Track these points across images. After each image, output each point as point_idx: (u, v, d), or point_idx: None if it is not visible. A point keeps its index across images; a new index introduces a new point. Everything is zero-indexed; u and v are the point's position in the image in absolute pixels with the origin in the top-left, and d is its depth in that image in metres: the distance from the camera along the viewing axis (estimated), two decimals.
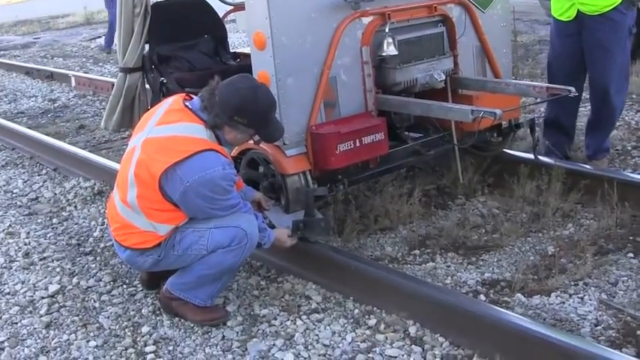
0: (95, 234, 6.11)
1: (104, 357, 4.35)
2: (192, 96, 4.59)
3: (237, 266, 4.59)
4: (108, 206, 4.73)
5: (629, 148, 6.95)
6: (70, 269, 5.50)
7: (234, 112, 4.34)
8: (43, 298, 5.10)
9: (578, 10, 6.29)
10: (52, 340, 4.57)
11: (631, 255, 4.96)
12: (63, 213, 6.74)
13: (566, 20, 6.41)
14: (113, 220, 4.60)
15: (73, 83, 13.16)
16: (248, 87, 4.43)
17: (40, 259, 5.72)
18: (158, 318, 4.71)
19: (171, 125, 4.40)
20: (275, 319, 4.59)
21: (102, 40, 19.05)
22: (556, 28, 6.61)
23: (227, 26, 6.93)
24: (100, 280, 5.28)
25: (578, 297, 4.49)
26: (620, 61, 6.31)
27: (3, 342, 4.59)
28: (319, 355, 4.17)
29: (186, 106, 4.48)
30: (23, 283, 5.35)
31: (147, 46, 6.27)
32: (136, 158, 4.39)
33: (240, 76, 4.54)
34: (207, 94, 4.41)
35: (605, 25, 6.21)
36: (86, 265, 5.55)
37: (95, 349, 4.43)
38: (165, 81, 6.19)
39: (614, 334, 4.09)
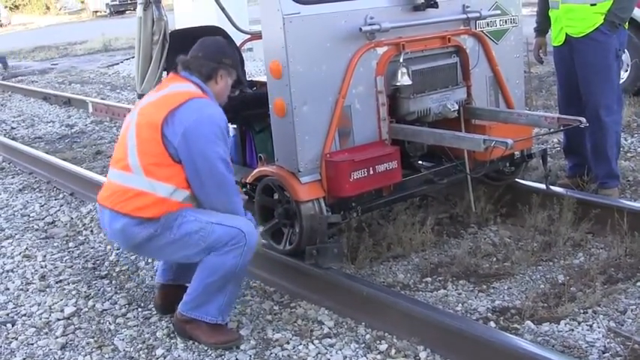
0: (111, 258, 6.17)
1: None
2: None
3: (239, 272, 4.58)
4: (99, 196, 4.74)
5: None
6: (85, 292, 5.56)
7: (221, 54, 4.71)
8: (58, 320, 5.16)
9: (566, 34, 6.42)
10: None
11: None
12: (79, 237, 6.81)
13: (558, 45, 6.56)
14: (106, 194, 4.63)
15: (91, 109, 13.24)
16: (215, 38, 4.96)
17: (56, 282, 5.78)
18: (172, 341, 4.75)
19: (163, 90, 4.65)
20: (288, 343, 4.63)
21: (119, 67, 19.11)
22: (554, 54, 6.78)
23: (244, 55, 7.00)
24: (116, 303, 5.34)
25: (587, 324, 4.52)
26: (609, 82, 6.38)
27: None
28: None
29: (174, 75, 4.72)
30: (39, 305, 5.41)
31: (165, 74, 6.35)
32: (134, 125, 4.55)
33: (204, 37, 4.89)
34: (185, 62, 4.69)
35: (591, 47, 6.31)
36: (102, 288, 5.61)
37: None
38: None
39: None
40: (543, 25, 6.88)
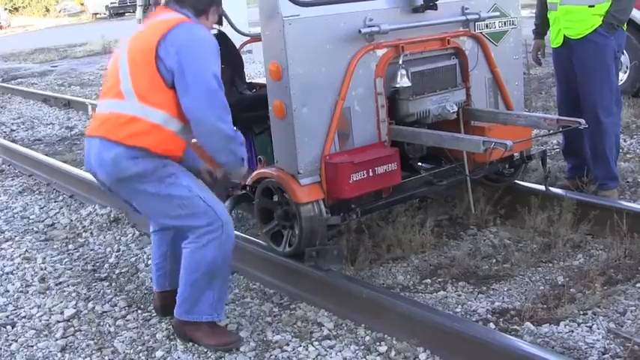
0: (111, 260, 6.18)
1: None
2: None
3: (222, 265, 4.58)
4: (87, 129, 4.66)
5: None
6: (85, 294, 5.57)
7: None
8: (58, 322, 5.17)
9: (565, 36, 6.44)
10: None
11: (639, 285, 5.01)
12: (79, 239, 6.82)
13: (557, 46, 6.58)
14: (96, 124, 4.53)
15: (90, 111, 13.21)
16: None
17: (56, 284, 5.79)
18: (172, 343, 4.76)
19: (152, 20, 4.61)
20: (287, 345, 4.64)
21: None
22: (553, 56, 6.80)
23: (243, 57, 7.00)
24: (115, 306, 5.35)
25: (586, 326, 4.53)
26: (608, 84, 6.39)
27: None
28: None
29: (163, 7, 4.68)
30: (39, 307, 5.42)
31: None
32: (125, 54, 4.48)
33: None
34: None
35: (588, 48, 6.32)
36: (101, 291, 5.61)
37: None
38: None
39: None
40: (542, 27, 6.89)
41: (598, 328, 4.48)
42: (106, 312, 5.27)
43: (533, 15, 7.03)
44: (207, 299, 4.60)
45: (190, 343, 4.70)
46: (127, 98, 4.37)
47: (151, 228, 5.06)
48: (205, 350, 4.63)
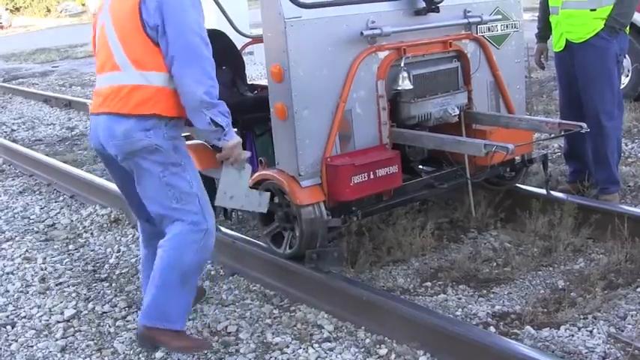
0: (111, 261, 6.18)
1: None
2: None
3: (195, 271, 4.48)
4: (91, 107, 4.52)
5: None
6: (85, 295, 5.57)
7: None
8: (58, 322, 5.17)
9: (567, 40, 6.43)
10: None
11: None
12: (79, 239, 6.82)
13: (558, 51, 6.57)
14: (99, 101, 4.39)
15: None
16: None
17: (56, 285, 5.79)
18: None
19: None
20: (287, 347, 4.63)
21: None
22: (555, 60, 6.78)
23: (244, 58, 7.01)
24: (116, 306, 5.34)
25: (587, 330, 4.52)
26: (610, 88, 6.38)
27: None
28: None
29: None
30: (39, 307, 5.42)
31: None
32: (109, 23, 4.34)
33: None
34: None
35: (590, 52, 6.31)
36: (102, 291, 5.61)
37: None
38: None
39: None
40: (545, 30, 6.89)
41: (598, 333, 4.48)
42: (106, 312, 5.27)
43: (536, 18, 7.02)
44: (179, 305, 4.46)
45: None
46: (124, 69, 4.26)
47: (141, 245, 4.96)
48: (205, 352, 4.62)
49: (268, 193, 4.77)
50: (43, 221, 7.45)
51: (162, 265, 4.38)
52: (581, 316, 4.68)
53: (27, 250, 6.58)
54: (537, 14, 6.98)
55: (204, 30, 4.26)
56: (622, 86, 7.63)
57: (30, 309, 5.40)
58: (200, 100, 4.18)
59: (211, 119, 4.24)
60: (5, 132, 12.76)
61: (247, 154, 4.60)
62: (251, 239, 5.90)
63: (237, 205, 4.81)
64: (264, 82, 6.06)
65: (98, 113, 4.39)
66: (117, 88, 4.28)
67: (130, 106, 4.23)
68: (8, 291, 5.73)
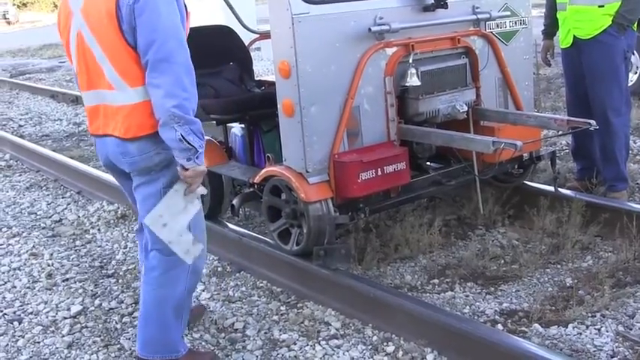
0: (118, 257, 6.18)
1: None
2: None
3: (188, 296, 4.31)
4: (90, 127, 4.18)
5: None
6: (92, 291, 5.56)
7: None
8: (65, 318, 5.16)
9: (574, 36, 6.41)
10: None
11: None
12: (86, 235, 6.81)
13: (566, 47, 6.55)
14: (100, 122, 4.05)
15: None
16: None
17: (63, 280, 5.78)
18: None
19: None
20: (294, 344, 4.62)
21: None
22: (562, 56, 6.77)
23: (252, 54, 7.00)
24: (122, 302, 5.34)
25: (595, 328, 4.51)
26: (617, 84, 6.37)
27: None
28: None
29: None
30: (46, 303, 5.41)
31: None
32: (86, 27, 3.91)
33: None
34: None
35: (598, 49, 6.30)
36: (108, 287, 5.61)
37: None
38: None
39: None
40: (551, 27, 6.87)
41: (607, 331, 4.46)
42: (112, 309, 5.26)
43: (543, 15, 7.00)
44: (177, 332, 4.28)
45: (197, 341, 4.70)
46: (118, 88, 3.89)
47: (141, 255, 4.68)
48: (212, 348, 4.62)
49: (202, 246, 4.20)
50: (50, 217, 7.44)
51: (153, 305, 4.20)
52: (590, 315, 4.66)
53: (34, 246, 6.57)
54: (544, 11, 6.96)
55: (180, 30, 3.81)
56: (630, 83, 7.60)
57: (37, 305, 5.39)
58: (170, 114, 3.73)
59: (182, 136, 3.76)
60: (13, 127, 12.76)
61: (203, 190, 4.13)
62: (258, 236, 5.90)
63: (166, 237, 4.06)
64: (271, 78, 6.04)
65: (100, 135, 4.09)
66: (115, 108, 3.94)
67: (135, 128, 3.91)
68: (15, 287, 5.73)
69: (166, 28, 3.74)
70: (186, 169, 3.89)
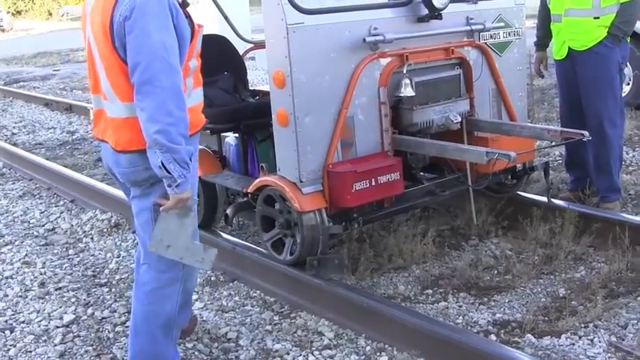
0: (111, 266, 6.17)
1: None
2: None
3: (179, 312, 4.25)
4: (94, 130, 4.17)
5: None
6: (85, 300, 5.55)
7: None
8: (57, 327, 5.14)
9: (569, 47, 6.43)
10: None
11: None
12: (79, 244, 6.80)
13: (560, 59, 6.57)
14: (101, 127, 4.04)
15: (92, 116, 13.23)
16: None
17: (56, 289, 5.77)
18: None
19: None
20: (287, 354, 4.61)
21: None
22: (556, 68, 6.78)
23: (246, 64, 7.00)
24: (115, 312, 5.33)
25: (587, 339, 4.51)
26: (612, 95, 6.38)
27: None
28: None
29: None
30: (38, 312, 5.40)
31: None
32: (92, 36, 3.89)
33: None
34: None
35: (593, 60, 6.31)
36: (101, 296, 5.60)
37: None
38: None
39: None
40: (544, 39, 6.90)
41: (599, 342, 4.46)
42: (105, 318, 5.25)
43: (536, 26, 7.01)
44: (168, 346, 4.25)
45: (190, 351, 4.69)
46: (110, 100, 3.86)
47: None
48: (205, 357, 4.61)
49: (215, 250, 4.14)
50: (43, 225, 7.43)
51: (141, 317, 4.17)
52: (582, 325, 4.67)
53: (26, 255, 6.56)
54: (536, 22, 6.97)
55: (168, 50, 3.66)
56: (623, 94, 7.63)
57: (29, 314, 5.38)
58: (152, 140, 3.65)
59: (162, 164, 3.67)
60: (6, 135, 12.76)
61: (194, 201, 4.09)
62: (252, 245, 5.90)
63: (175, 256, 4.01)
64: (266, 87, 6.05)
65: (101, 140, 4.10)
66: (109, 119, 3.93)
67: (124, 142, 3.87)
68: (7, 295, 5.71)
69: (153, 50, 3.62)
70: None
